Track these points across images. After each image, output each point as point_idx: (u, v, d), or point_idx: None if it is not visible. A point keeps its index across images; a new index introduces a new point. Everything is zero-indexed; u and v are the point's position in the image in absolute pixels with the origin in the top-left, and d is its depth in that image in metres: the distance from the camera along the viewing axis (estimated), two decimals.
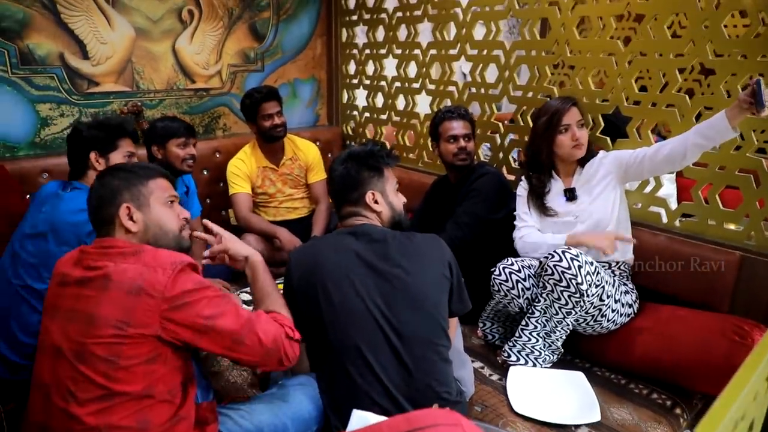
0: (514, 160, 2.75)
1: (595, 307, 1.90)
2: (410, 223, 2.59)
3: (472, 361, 2.06)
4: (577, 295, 1.83)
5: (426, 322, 1.44)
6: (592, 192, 2.05)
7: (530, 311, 1.99)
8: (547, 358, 2.00)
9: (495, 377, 1.99)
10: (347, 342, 1.39)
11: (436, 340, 1.45)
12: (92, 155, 1.84)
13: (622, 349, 1.97)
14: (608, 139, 2.25)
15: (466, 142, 2.38)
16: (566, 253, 1.82)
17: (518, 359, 2.00)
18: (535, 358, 1.99)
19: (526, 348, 2.00)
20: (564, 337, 1.98)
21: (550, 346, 1.99)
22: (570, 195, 2.09)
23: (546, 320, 1.94)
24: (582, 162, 2.10)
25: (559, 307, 1.89)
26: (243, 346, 1.24)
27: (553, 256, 1.85)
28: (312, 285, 1.44)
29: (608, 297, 1.90)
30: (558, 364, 2.03)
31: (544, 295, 1.92)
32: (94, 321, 1.16)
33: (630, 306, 1.98)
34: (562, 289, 1.84)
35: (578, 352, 2.10)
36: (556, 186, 2.13)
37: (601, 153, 2.10)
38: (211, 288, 1.24)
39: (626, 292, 1.99)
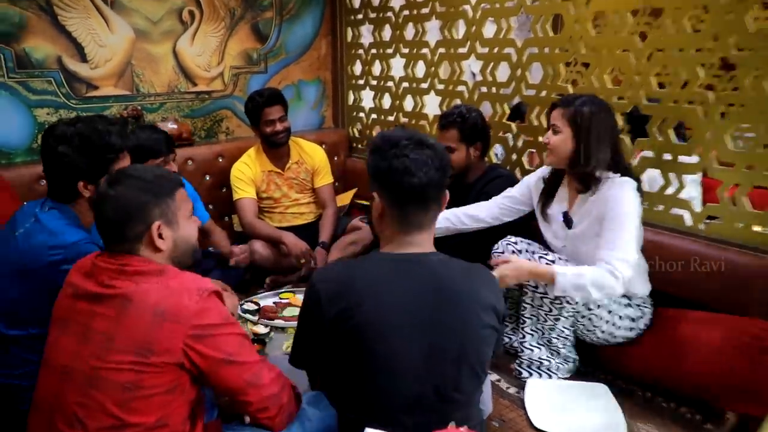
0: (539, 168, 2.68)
1: (583, 316, 1.87)
2: None
3: (489, 374, 2.02)
4: (557, 302, 1.82)
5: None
6: (587, 232, 1.89)
7: (521, 320, 1.97)
8: (561, 366, 1.97)
9: (512, 390, 1.95)
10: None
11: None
12: (80, 184, 1.58)
13: (643, 361, 1.92)
14: (627, 138, 2.19)
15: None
16: (542, 259, 1.83)
17: (531, 374, 1.97)
18: (548, 369, 1.96)
19: (533, 361, 1.97)
20: (570, 344, 1.95)
21: (558, 353, 1.96)
22: (566, 220, 1.98)
23: (540, 327, 1.93)
24: (583, 182, 1.89)
25: (545, 314, 1.88)
26: (254, 389, 1.20)
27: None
28: (359, 327, 1.18)
29: (599, 307, 1.87)
30: (578, 376, 1.99)
31: (526, 301, 1.93)
32: (113, 345, 1.11)
33: (632, 320, 1.91)
34: (540, 294, 1.84)
35: (598, 363, 2.05)
36: (560, 198, 2.03)
37: (614, 189, 1.83)
38: (235, 324, 1.22)
39: (627, 306, 1.92)
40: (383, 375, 1.18)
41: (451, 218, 2.18)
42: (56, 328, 1.21)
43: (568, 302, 1.83)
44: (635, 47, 2.10)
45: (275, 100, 2.72)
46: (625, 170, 1.85)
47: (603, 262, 1.72)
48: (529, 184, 2.14)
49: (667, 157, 2.09)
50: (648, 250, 1.98)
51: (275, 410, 1.23)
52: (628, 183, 1.81)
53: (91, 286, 1.18)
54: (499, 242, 2.03)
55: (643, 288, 1.93)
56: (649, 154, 2.16)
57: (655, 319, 1.96)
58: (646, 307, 1.95)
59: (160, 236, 1.24)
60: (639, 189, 1.84)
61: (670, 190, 2.12)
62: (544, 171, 2.12)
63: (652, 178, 2.33)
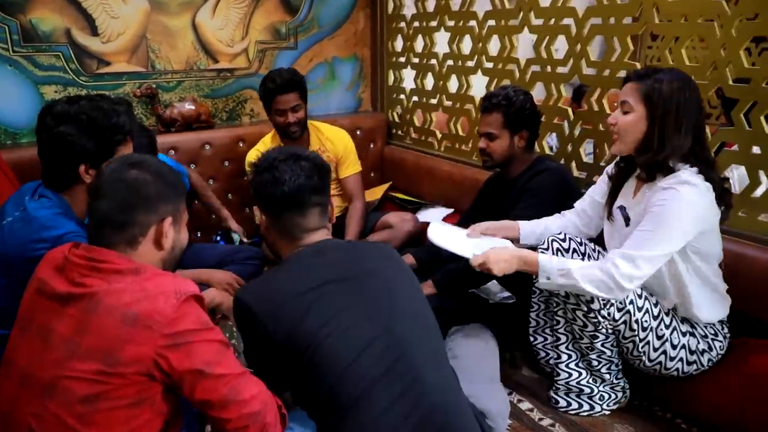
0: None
1: (625, 337, 1.70)
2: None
3: (519, 401, 1.93)
4: (592, 315, 1.67)
5: None
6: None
7: (555, 338, 1.86)
8: (605, 396, 1.85)
9: (546, 422, 1.83)
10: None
11: None
12: (82, 168, 1.54)
13: (711, 399, 1.73)
14: (707, 128, 1.92)
15: (486, 141, 2.17)
16: (575, 253, 1.74)
17: (569, 404, 1.86)
18: (590, 398, 1.84)
19: (572, 387, 1.85)
20: (615, 369, 1.82)
21: (602, 380, 1.83)
22: (623, 213, 1.76)
23: (578, 347, 1.82)
24: (649, 171, 1.65)
25: (580, 329, 1.74)
26: (234, 404, 1.14)
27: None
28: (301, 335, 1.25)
29: (644, 330, 1.67)
30: (630, 410, 1.86)
31: (559, 314, 1.82)
32: (77, 351, 1.07)
33: (691, 352, 1.69)
34: (572, 307, 1.72)
35: (655, 397, 1.90)
36: (625, 192, 1.80)
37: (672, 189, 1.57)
38: (214, 330, 1.18)
39: (687, 334, 1.69)
40: (339, 359, 1.23)
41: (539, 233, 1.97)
42: (19, 328, 1.19)
43: (603, 317, 1.65)
44: (723, 14, 1.85)
45: (290, 86, 2.55)
46: (707, 166, 1.59)
47: (607, 256, 1.62)
48: (605, 180, 1.90)
49: (757, 150, 1.85)
50: (727, 264, 1.74)
51: (256, 431, 1.16)
52: (695, 186, 1.54)
53: (60, 284, 1.14)
54: (546, 239, 1.83)
55: (708, 311, 1.68)
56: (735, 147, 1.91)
57: (729, 348, 1.75)
58: (716, 340, 1.71)
59: (166, 235, 1.24)
60: (722, 196, 1.59)
61: (759, 192, 1.87)
62: (610, 167, 1.89)
63: (743, 176, 2.10)
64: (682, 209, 1.52)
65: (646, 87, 1.59)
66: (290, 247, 1.40)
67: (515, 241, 1.96)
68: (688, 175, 1.55)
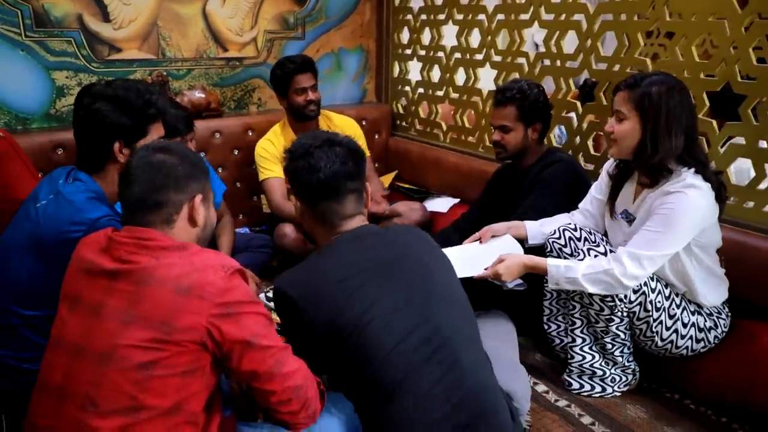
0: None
1: (639, 318, 1.79)
2: (465, 218, 2.47)
3: (535, 384, 2.00)
4: (608, 299, 1.76)
5: None
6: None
7: (569, 322, 1.93)
8: (617, 378, 1.92)
9: (562, 403, 1.90)
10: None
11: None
12: (116, 146, 1.60)
13: (715, 379, 1.83)
14: (714, 122, 2.02)
15: (501, 133, 2.23)
16: (591, 251, 1.80)
17: (582, 386, 1.94)
18: (602, 380, 1.92)
19: (585, 370, 1.93)
20: (627, 352, 1.91)
21: (614, 363, 1.91)
22: (627, 217, 1.87)
23: (592, 331, 1.88)
24: (651, 175, 1.76)
25: (596, 313, 1.82)
26: (279, 377, 1.19)
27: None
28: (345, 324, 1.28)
29: (657, 310, 1.77)
30: (640, 391, 1.94)
31: (575, 299, 1.89)
32: (132, 320, 1.12)
33: (700, 330, 1.80)
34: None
35: (664, 378, 1.98)
36: (625, 193, 1.91)
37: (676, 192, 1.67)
38: (259, 304, 1.24)
39: (695, 313, 1.81)
40: (380, 346, 1.26)
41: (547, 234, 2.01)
42: (65, 306, 1.22)
43: (620, 300, 1.75)
44: (733, 13, 1.93)
45: (308, 67, 2.66)
46: (702, 165, 1.70)
47: (614, 254, 1.72)
48: (604, 179, 2.01)
49: (763, 144, 1.93)
50: (732, 253, 1.86)
51: (299, 404, 1.22)
52: (700, 189, 1.64)
53: (107, 262, 1.18)
54: (557, 228, 1.92)
55: (713, 297, 1.81)
56: (741, 140, 2.00)
57: (731, 331, 1.86)
58: (720, 318, 1.83)
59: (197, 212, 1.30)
60: (719, 195, 1.69)
61: (763, 185, 1.96)
62: (608, 165, 2.00)
63: (740, 169, 2.20)
64: (690, 212, 1.64)
65: (637, 95, 1.71)
66: (328, 234, 1.42)
67: (524, 241, 2.04)
68: (692, 179, 1.66)
